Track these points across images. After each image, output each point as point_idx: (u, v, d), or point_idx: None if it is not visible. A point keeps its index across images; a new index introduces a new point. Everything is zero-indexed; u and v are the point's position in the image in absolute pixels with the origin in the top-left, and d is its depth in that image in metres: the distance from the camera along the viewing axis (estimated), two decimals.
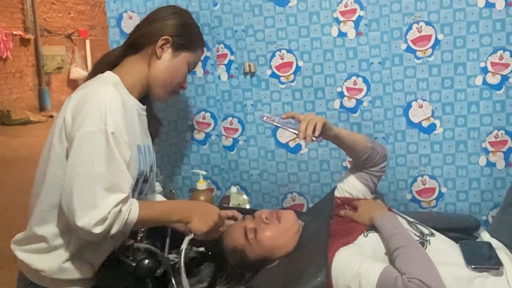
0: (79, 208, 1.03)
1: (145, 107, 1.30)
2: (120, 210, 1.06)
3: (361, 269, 1.14)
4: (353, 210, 1.41)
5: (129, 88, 1.23)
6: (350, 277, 1.14)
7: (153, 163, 1.33)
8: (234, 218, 1.40)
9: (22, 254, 1.20)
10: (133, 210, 1.09)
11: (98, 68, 1.27)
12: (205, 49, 1.43)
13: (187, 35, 1.29)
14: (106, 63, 1.28)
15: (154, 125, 1.37)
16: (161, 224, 1.27)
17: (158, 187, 1.55)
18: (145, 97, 1.31)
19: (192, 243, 1.25)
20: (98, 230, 1.03)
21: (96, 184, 1.04)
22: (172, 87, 1.31)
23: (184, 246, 1.22)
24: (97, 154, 1.06)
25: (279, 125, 1.33)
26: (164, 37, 1.25)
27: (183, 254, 1.20)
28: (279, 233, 1.30)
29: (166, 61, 1.27)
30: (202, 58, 1.45)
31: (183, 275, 1.18)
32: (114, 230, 1.06)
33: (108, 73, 1.23)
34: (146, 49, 1.26)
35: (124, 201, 1.07)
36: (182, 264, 1.19)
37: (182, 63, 1.29)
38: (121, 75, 1.23)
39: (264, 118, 1.34)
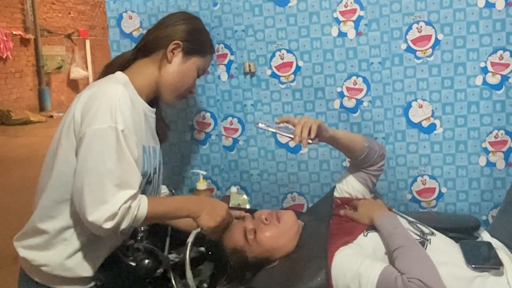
0: (90, 204, 1.05)
1: (154, 110, 1.32)
2: (129, 206, 1.08)
3: (361, 269, 1.14)
4: (353, 210, 1.41)
5: (138, 89, 1.25)
6: (350, 277, 1.14)
7: (157, 165, 1.34)
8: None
9: (24, 251, 1.21)
10: (142, 206, 1.11)
11: (109, 70, 1.30)
12: (214, 55, 1.44)
13: (198, 41, 1.32)
14: (117, 65, 1.31)
15: (161, 128, 1.39)
16: (170, 219, 1.30)
17: (164, 189, 1.56)
18: (154, 100, 1.33)
19: (198, 237, 1.25)
20: (108, 225, 1.05)
21: (106, 180, 1.06)
22: (181, 91, 1.33)
23: (190, 239, 1.23)
24: (107, 151, 1.08)
25: (274, 131, 1.33)
26: (175, 41, 1.27)
27: (189, 247, 1.21)
28: (278, 233, 1.30)
29: (176, 65, 1.28)
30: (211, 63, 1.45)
31: (188, 267, 1.19)
32: (123, 226, 1.08)
33: (118, 73, 1.26)
34: (157, 53, 1.28)
35: (134, 197, 1.10)
36: (188, 257, 1.20)
37: (192, 68, 1.31)
38: (131, 77, 1.25)
39: (259, 125, 1.34)
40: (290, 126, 1.31)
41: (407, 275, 1.09)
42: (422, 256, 1.17)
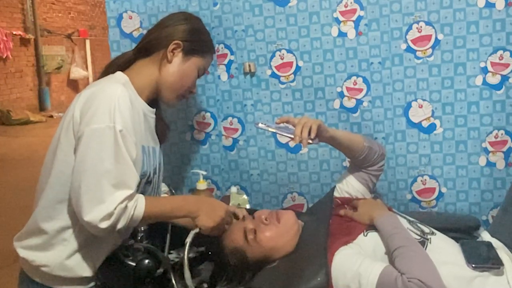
0: (87, 203, 1.05)
1: (154, 110, 1.32)
2: (126, 206, 1.08)
3: (361, 269, 1.14)
4: (353, 210, 1.41)
5: (138, 89, 1.25)
6: (350, 277, 1.15)
7: (157, 166, 1.34)
8: (235, 217, 1.40)
9: (24, 251, 1.21)
10: (139, 206, 1.11)
11: (109, 70, 1.30)
12: (214, 55, 1.44)
13: (198, 40, 1.32)
14: (117, 65, 1.31)
15: (161, 129, 1.39)
16: (168, 219, 1.30)
17: (164, 187, 1.56)
18: (154, 101, 1.33)
19: (197, 237, 1.25)
20: (104, 225, 1.05)
21: (103, 180, 1.06)
22: (181, 91, 1.33)
23: (189, 239, 1.23)
24: (105, 151, 1.08)
25: (275, 131, 1.33)
26: (175, 41, 1.27)
27: (187, 248, 1.21)
28: (278, 233, 1.30)
29: (176, 65, 1.29)
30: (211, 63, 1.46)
31: (186, 268, 1.19)
32: (120, 225, 1.08)
33: (118, 73, 1.26)
34: (157, 53, 1.28)
35: (130, 197, 1.10)
36: (186, 257, 1.20)
37: (192, 68, 1.32)
38: (131, 76, 1.25)
39: (259, 125, 1.34)
40: (290, 126, 1.31)
41: (407, 275, 1.09)
42: (422, 256, 1.17)
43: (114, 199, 1.06)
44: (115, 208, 1.06)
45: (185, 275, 1.19)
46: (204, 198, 1.43)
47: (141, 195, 1.15)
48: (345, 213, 1.41)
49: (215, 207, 1.26)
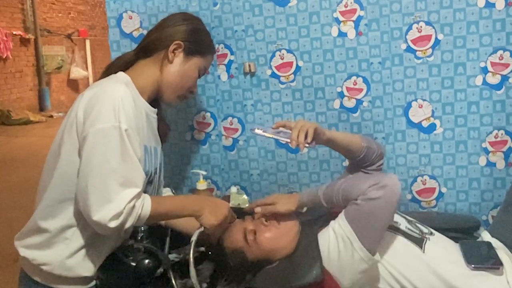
0: (95, 203, 1.06)
1: (155, 110, 1.32)
2: (134, 205, 1.09)
3: (334, 227, 1.22)
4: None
5: (140, 89, 1.25)
6: (333, 244, 1.19)
7: (158, 166, 1.35)
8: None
9: (24, 251, 1.21)
10: (146, 205, 1.12)
11: (110, 70, 1.31)
12: (215, 55, 1.44)
13: (198, 41, 1.32)
14: (119, 65, 1.31)
15: (162, 129, 1.39)
16: (172, 218, 1.31)
17: (169, 192, 1.56)
18: (155, 101, 1.34)
19: (201, 236, 1.26)
20: (113, 224, 1.06)
21: (110, 180, 1.07)
22: (182, 91, 1.34)
23: (194, 237, 1.23)
24: (111, 150, 1.08)
25: (271, 136, 1.33)
26: (176, 41, 1.28)
27: (192, 246, 1.21)
28: (278, 235, 1.30)
29: (177, 65, 1.29)
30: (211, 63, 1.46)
31: (192, 266, 1.19)
32: (128, 225, 1.09)
33: (120, 74, 1.27)
34: (159, 53, 1.29)
35: (138, 196, 1.11)
36: (192, 255, 1.20)
37: (193, 68, 1.32)
38: (132, 77, 1.26)
39: (255, 130, 1.34)
40: (287, 130, 1.31)
41: (361, 196, 1.17)
42: (354, 177, 1.28)
43: (122, 198, 1.07)
44: (124, 208, 1.06)
45: (191, 272, 1.20)
46: (206, 197, 1.44)
47: (147, 195, 1.16)
48: (264, 210, 1.37)
49: (218, 205, 1.27)
